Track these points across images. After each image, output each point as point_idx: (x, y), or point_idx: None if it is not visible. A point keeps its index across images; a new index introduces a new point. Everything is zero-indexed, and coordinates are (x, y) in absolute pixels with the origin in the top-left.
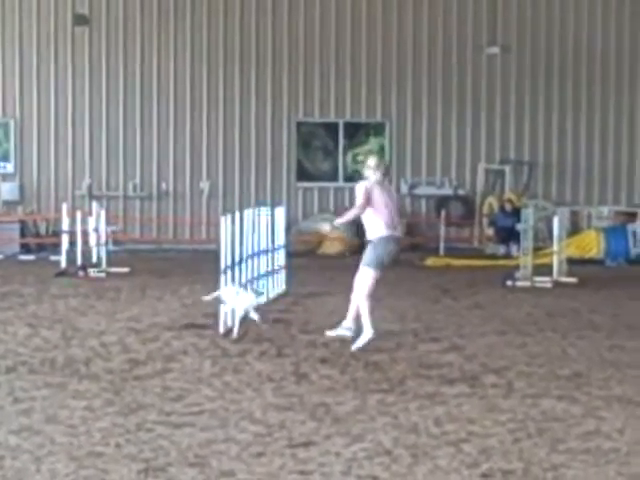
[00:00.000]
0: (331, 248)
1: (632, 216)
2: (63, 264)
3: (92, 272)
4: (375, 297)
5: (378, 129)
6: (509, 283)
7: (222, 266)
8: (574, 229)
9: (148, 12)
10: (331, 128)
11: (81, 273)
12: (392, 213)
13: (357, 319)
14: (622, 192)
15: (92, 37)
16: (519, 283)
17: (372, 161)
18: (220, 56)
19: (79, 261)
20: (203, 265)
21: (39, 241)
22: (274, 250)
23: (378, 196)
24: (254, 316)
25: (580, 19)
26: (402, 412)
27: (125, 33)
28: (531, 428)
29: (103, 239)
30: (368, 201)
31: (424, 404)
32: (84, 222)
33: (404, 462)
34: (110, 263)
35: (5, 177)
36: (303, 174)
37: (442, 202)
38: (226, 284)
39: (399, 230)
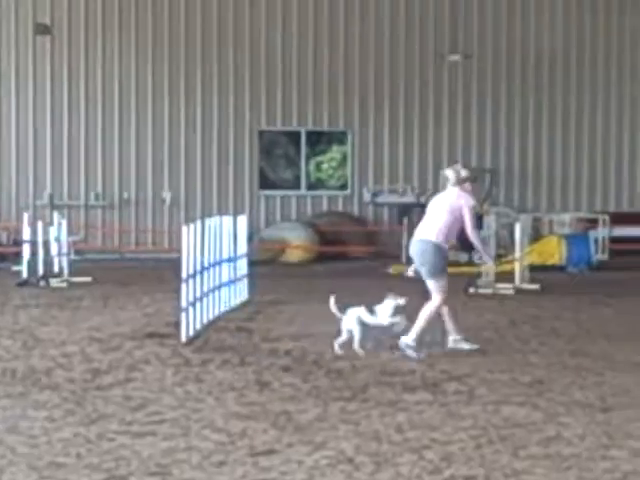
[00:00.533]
0: (294, 256)
1: (593, 222)
2: (25, 274)
3: (54, 282)
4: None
5: (340, 137)
6: (471, 290)
7: (184, 275)
8: (536, 236)
9: (109, 22)
10: (293, 137)
11: (43, 283)
12: (427, 220)
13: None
14: (583, 199)
15: (54, 47)
16: (481, 290)
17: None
18: (182, 65)
19: (41, 271)
20: (165, 274)
21: (0, 251)
22: (236, 259)
23: (430, 206)
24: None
25: (540, 25)
26: (364, 419)
27: (87, 43)
28: (493, 434)
29: (65, 249)
30: None
31: (386, 411)
32: (45, 232)
33: (366, 469)
34: (72, 273)
35: None
36: (265, 182)
37: (405, 210)
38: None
39: (423, 233)
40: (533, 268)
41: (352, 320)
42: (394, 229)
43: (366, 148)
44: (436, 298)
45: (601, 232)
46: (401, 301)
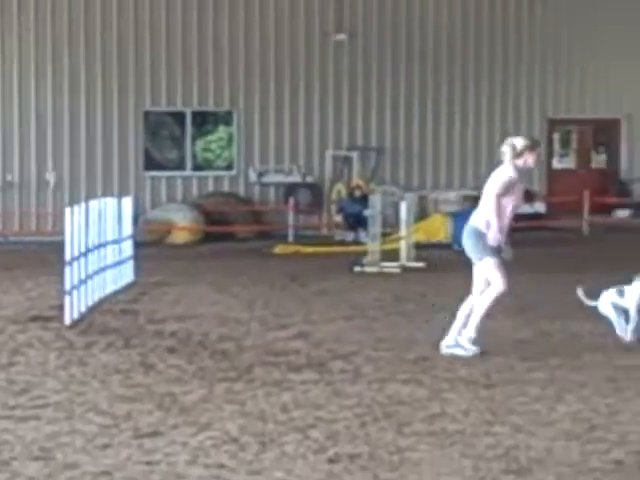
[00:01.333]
0: (180, 237)
1: (478, 200)
2: None
3: None
4: (222, 285)
5: (226, 118)
6: (357, 269)
7: (68, 258)
8: (422, 214)
9: None
10: (179, 117)
11: None
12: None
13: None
14: (469, 176)
15: None
16: (367, 269)
17: None
18: (64, 44)
19: None
20: (49, 257)
21: None
22: (121, 240)
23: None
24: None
25: (426, 4)
26: (249, 400)
27: None
28: (377, 412)
29: None
30: None
31: (271, 391)
32: None
33: (251, 449)
34: None
35: None
36: (151, 163)
37: (291, 189)
38: None
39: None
40: (419, 246)
41: (606, 305)
42: (280, 209)
43: (252, 128)
44: (494, 285)
45: None
46: None
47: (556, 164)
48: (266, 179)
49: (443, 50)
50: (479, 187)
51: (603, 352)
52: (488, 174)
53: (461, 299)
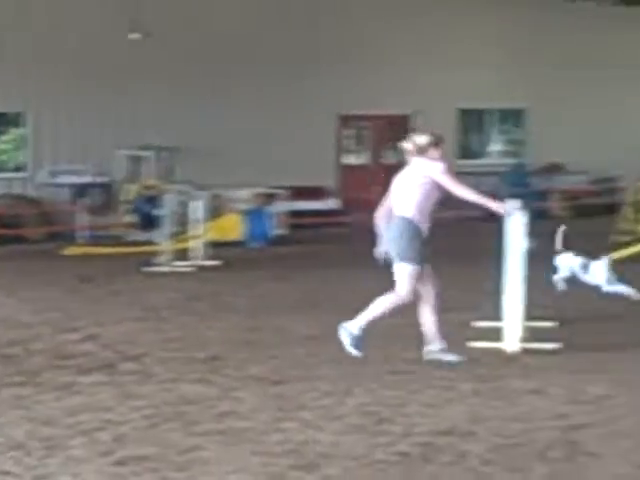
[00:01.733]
0: None
1: (271, 197)
2: None
3: None
4: (11, 289)
5: (17, 119)
6: (148, 269)
7: None
8: (216, 212)
9: None
10: None
11: None
12: (395, 198)
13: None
14: (262, 174)
15: None
16: (160, 268)
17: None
18: None
19: None
20: None
21: None
22: None
23: (394, 184)
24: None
25: (223, 2)
26: (36, 404)
27: None
28: (167, 413)
29: None
30: None
31: (59, 395)
32: None
33: (37, 455)
34: None
35: None
36: None
37: (83, 190)
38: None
39: (396, 210)
40: (214, 244)
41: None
42: (72, 210)
43: (44, 129)
44: (400, 293)
45: (280, 206)
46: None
47: (352, 160)
48: (58, 180)
49: (238, 48)
50: (272, 185)
51: (393, 345)
52: (281, 171)
53: (254, 297)
